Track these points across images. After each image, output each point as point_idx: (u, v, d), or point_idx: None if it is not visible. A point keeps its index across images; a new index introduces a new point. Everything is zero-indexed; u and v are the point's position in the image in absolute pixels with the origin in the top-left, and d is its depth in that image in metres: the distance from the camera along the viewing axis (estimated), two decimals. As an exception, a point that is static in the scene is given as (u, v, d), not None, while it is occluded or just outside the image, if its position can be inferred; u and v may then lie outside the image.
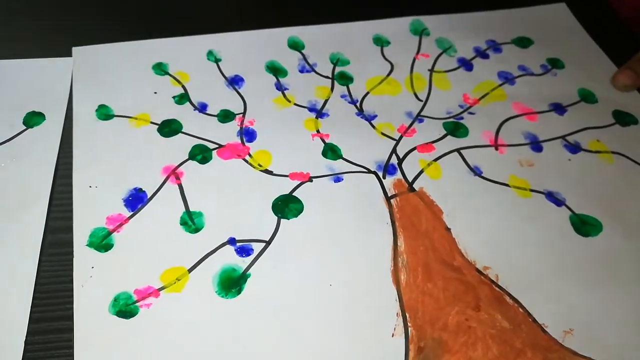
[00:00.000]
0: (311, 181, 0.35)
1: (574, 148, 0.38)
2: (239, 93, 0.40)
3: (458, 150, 0.38)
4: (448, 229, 0.33)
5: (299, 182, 0.35)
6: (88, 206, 0.32)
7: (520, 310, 0.30)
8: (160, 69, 0.41)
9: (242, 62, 0.42)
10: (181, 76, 0.41)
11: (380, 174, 0.36)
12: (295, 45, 0.44)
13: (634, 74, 0.42)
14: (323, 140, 0.38)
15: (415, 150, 0.37)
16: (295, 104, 0.40)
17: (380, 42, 0.45)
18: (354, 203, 0.34)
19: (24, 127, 0.36)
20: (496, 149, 0.38)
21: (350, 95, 0.41)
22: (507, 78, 0.43)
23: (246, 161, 0.36)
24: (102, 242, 0.31)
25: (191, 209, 0.33)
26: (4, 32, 0.43)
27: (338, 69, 0.43)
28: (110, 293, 0.29)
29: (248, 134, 0.37)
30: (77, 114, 0.37)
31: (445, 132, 0.39)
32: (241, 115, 0.39)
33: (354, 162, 0.36)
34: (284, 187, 0.34)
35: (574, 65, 0.44)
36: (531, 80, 0.43)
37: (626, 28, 0.48)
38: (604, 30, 0.48)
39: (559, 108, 0.41)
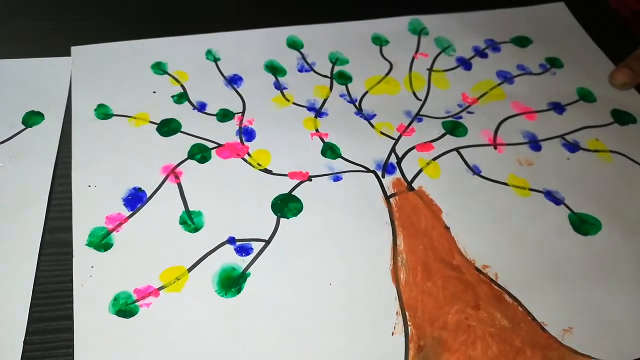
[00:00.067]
0: (310, 180, 0.35)
1: (573, 147, 0.38)
2: (237, 92, 0.40)
3: (457, 150, 0.38)
4: (447, 228, 0.33)
5: (298, 181, 0.35)
6: (87, 206, 0.32)
7: (520, 308, 0.30)
8: (159, 68, 0.41)
9: (241, 61, 0.42)
10: (180, 75, 0.41)
11: (380, 173, 0.36)
12: (294, 44, 0.44)
13: (631, 72, 0.42)
14: (322, 140, 0.38)
15: (414, 150, 0.37)
16: (294, 103, 0.40)
17: (379, 41, 0.45)
18: (353, 202, 0.34)
19: (23, 127, 0.36)
20: (495, 148, 0.38)
21: (349, 95, 0.41)
22: (506, 77, 0.43)
23: (245, 160, 0.36)
24: (101, 241, 0.31)
25: (190, 209, 0.33)
26: (4, 32, 0.43)
27: (337, 68, 0.43)
28: (110, 292, 0.29)
29: (247, 133, 0.37)
30: (76, 114, 0.37)
31: (444, 131, 0.39)
32: (240, 114, 0.39)
33: (353, 161, 0.36)
34: (283, 186, 0.34)
35: (572, 64, 0.45)
36: (530, 80, 0.43)
37: (625, 27, 0.48)
38: (602, 29, 0.48)
39: (557, 107, 0.41)
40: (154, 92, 0.40)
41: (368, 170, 0.36)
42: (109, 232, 0.31)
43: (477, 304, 0.30)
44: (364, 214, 0.33)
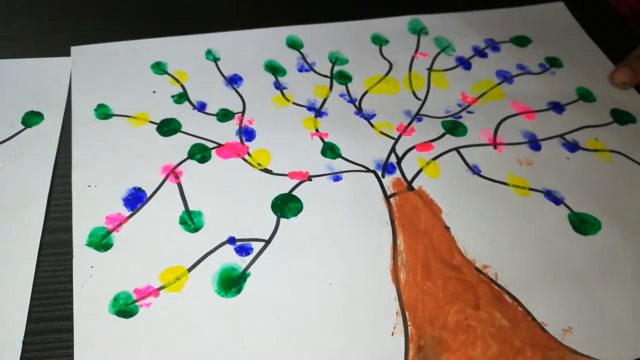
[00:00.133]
0: (310, 180, 0.35)
1: (573, 147, 0.38)
2: (237, 92, 0.40)
3: (457, 149, 0.38)
4: (447, 228, 0.33)
5: (298, 181, 0.35)
6: (87, 206, 0.32)
7: (520, 308, 0.30)
8: (159, 68, 0.41)
9: (240, 61, 0.42)
10: (180, 75, 0.41)
11: (380, 173, 0.36)
12: (294, 44, 0.44)
13: (631, 71, 0.42)
14: (322, 139, 0.38)
15: (414, 149, 0.37)
16: (294, 103, 0.40)
17: (379, 41, 0.45)
18: (353, 202, 0.34)
19: (23, 127, 0.36)
20: (495, 147, 0.38)
21: (349, 94, 0.41)
22: (505, 77, 0.43)
23: (245, 160, 0.36)
24: (101, 241, 0.31)
25: (190, 208, 0.33)
26: (4, 32, 0.43)
27: (337, 68, 0.43)
28: (110, 292, 0.29)
29: (247, 133, 0.37)
30: (76, 113, 0.37)
31: (444, 131, 0.39)
32: (240, 114, 0.39)
33: (353, 161, 0.36)
34: (283, 186, 0.34)
35: (572, 64, 0.45)
36: (530, 79, 0.43)
37: (624, 26, 0.48)
38: (602, 29, 0.48)
39: (557, 107, 0.41)
40: (154, 92, 0.40)
41: (368, 170, 0.36)
42: (109, 232, 0.31)
43: (477, 304, 0.30)
44: (364, 213, 0.33)
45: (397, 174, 0.36)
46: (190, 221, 0.32)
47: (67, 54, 0.41)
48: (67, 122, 0.37)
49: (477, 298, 0.30)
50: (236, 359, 0.27)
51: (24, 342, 0.27)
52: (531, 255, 0.32)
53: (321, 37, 0.45)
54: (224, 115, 0.39)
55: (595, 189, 0.36)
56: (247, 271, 0.30)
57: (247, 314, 0.29)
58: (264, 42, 0.44)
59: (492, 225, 0.33)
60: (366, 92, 0.41)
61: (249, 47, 0.44)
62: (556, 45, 0.46)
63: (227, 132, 0.37)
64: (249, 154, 0.36)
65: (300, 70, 0.42)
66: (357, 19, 0.47)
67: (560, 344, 0.29)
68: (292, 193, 0.34)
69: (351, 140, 0.37)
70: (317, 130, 0.38)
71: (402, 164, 0.36)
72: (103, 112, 0.38)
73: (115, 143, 0.36)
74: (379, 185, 0.35)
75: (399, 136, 0.38)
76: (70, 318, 0.28)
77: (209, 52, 0.43)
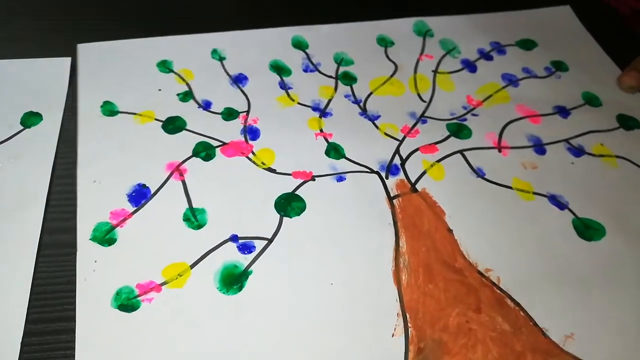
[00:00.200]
0: (314, 180, 0.35)
1: (578, 151, 0.38)
2: (242, 91, 0.40)
3: (461, 152, 0.38)
4: (450, 230, 0.33)
5: (301, 180, 0.35)
6: (92, 201, 0.32)
7: (521, 313, 0.30)
8: (165, 66, 0.42)
9: (246, 60, 0.43)
10: (186, 74, 0.41)
11: (383, 174, 0.36)
12: (300, 44, 0.45)
13: (639, 75, 0.42)
14: (326, 140, 0.38)
15: (419, 151, 0.37)
16: (298, 103, 0.40)
17: (385, 42, 0.45)
18: (356, 203, 0.34)
19: (22, 127, 0.36)
20: (499, 151, 0.38)
21: (354, 95, 0.41)
22: (511, 80, 0.43)
23: (249, 159, 0.36)
24: (105, 236, 0.31)
25: (194, 206, 0.33)
26: (4, 32, 0.43)
27: (342, 69, 0.43)
28: (113, 287, 0.29)
29: (251, 132, 0.38)
30: (82, 110, 0.38)
31: (448, 133, 0.39)
32: (245, 113, 0.39)
33: (357, 161, 0.36)
34: (287, 185, 0.34)
35: (578, 68, 0.44)
36: (535, 83, 0.43)
37: (624, 25, 0.48)
38: (608, 33, 0.48)
39: (563, 111, 0.41)
40: (160, 90, 0.40)
41: (372, 171, 0.36)
42: (113, 228, 0.31)
43: (479, 307, 0.30)
44: (366, 214, 0.33)
45: (401, 175, 0.36)
46: (194, 218, 0.32)
47: (67, 54, 0.41)
48: (67, 123, 0.37)
49: (478, 301, 0.30)
50: (236, 357, 0.27)
51: (22, 343, 0.27)
52: (534, 259, 0.32)
53: (327, 38, 0.45)
54: (229, 114, 0.39)
55: (600, 194, 0.36)
56: (249, 269, 0.30)
57: (248, 312, 0.29)
58: (270, 42, 0.44)
59: (496, 229, 0.33)
60: (371, 93, 0.41)
61: (255, 46, 0.44)
62: (562, 49, 0.46)
63: (232, 131, 0.38)
64: (253, 153, 0.36)
65: (305, 71, 0.42)
66: (362, 20, 0.47)
67: (562, 350, 0.28)
68: (296, 192, 0.34)
69: (355, 141, 0.38)
70: (321, 130, 0.38)
71: (406, 166, 0.36)
72: (109, 109, 0.38)
73: (121, 140, 0.36)
74: (382, 187, 0.35)
75: (404, 138, 0.38)
76: (69, 319, 0.28)
77: (214, 51, 0.43)
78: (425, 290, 0.30)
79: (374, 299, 0.30)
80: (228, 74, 0.42)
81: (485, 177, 0.36)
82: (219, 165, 0.35)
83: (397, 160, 0.37)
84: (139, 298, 0.29)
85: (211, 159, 0.36)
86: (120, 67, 0.41)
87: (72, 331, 0.27)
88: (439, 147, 0.38)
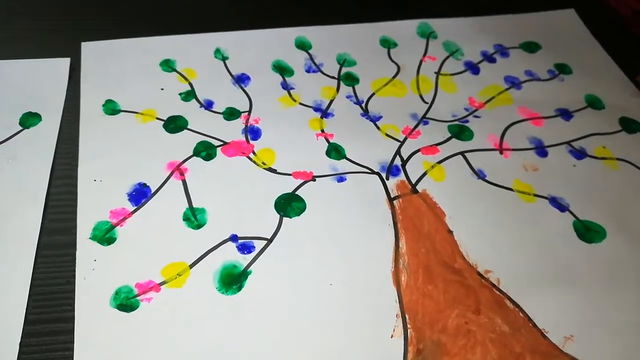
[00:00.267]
0: (314, 180, 0.35)
1: (579, 154, 0.38)
2: (245, 91, 0.41)
3: (462, 153, 0.37)
4: (450, 232, 0.33)
5: (302, 181, 0.35)
6: (92, 199, 0.33)
7: (521, 314, 0.30)
8: (167, 65, 0.42)
9: (248, 60, 0.43)
10: (188, 73, 0.41)
11: (384, 175, 0.36)
12: (302, 45, 0.45)
13: None
14: (327, 140, 0.38)
15: (420, 152, 0.37)
16: (300, 104, 0.40)
17: (387, 44, 0.45)
18: (357, 203, 0.34)
19: (21, 128, 0.36)
20: (501, 153, 0.38)
21: (356, 96, 0.41)
22: (513, 82, 0.43)
23: (250, 159, 0.36)
24: (105, 235, 0.31)
25: (194, 205, 0.33)
26: (4, 32, 0.43)
27: (344, 70, 0.43)
28: (112, 286, 0.29)
29: (253, 132, 0.38)
30: (84, 108, 0.38)
31: (450, 134, 0.39)
32: (246, 113, 0.39)
33: (358, 162, 0.36)
34: (287, 185, 0.34)
35: (581, 71, 0.44)
36: (538, 85, 0.43)
37: (625, 27, 0.48)
38: (613, 37, 0.47)
39: (565, 113, 0.41)
40: (162, 89, 0.40)
41: (372, 172, 0.36)
42: (113, 227, 0.31)
43: (478, 309, 0.30)
44: (367, 215, 0.33)
45: (402, 176, 0.36)
46: (194, 218, 0.32)
47: (67, 54, 0.41)
48: (65, 123, 0.37)
49: (478, 303, 0.30)
50: (235, 357, 0.27)
51: (20, 344, 0.27)
52: (534, 261, 0.32)
53: (329, 39, 0.45)
54: (231, 114, 0.39)
55: (601, 197, 0.35)
56: (249, 269, 0.30)
57: (247, 312, 0.29)
58: (272, 42, 0.44)
59: (496, 230, 0.33)
60: (373, 94, 0.41)
61: (257, 47, 0.44)
62: (566, 52, 0.46)
63: (233, 131, 0.38)
64: (254, 153, 0.36)
65: (307, 71, 0.42)
66: (365, 21, 0.47)
67: (561, 352, 0.28)
68: (296, 193, 0.34)
69: (356, 141, 0.37)
70: (322, 130, 0.38)
71: (407, 167, 0.36)
72: (111, 108, 0.38)
73: (122, 139, 0.36)
74: (382, 187, 0.35)
75: (405, 139, 0.38)
76: (67, 320, 0.28)
77: (217, 51, 0.43)
78: (424, 291, 0.30)
79: (373, 300, 0.30)
80: (230, 73, 0.42)
81: (486, 178, 0.36)
82: (220, 165, 0.35)
83: (397, 161, 0.37)
84: (138, 298, 0.29)
85: (212, 158, 0.36)
86: (123, 65, 0.41)
87: (71, 332, 0.27)
88: (440, 148, 0.38)
